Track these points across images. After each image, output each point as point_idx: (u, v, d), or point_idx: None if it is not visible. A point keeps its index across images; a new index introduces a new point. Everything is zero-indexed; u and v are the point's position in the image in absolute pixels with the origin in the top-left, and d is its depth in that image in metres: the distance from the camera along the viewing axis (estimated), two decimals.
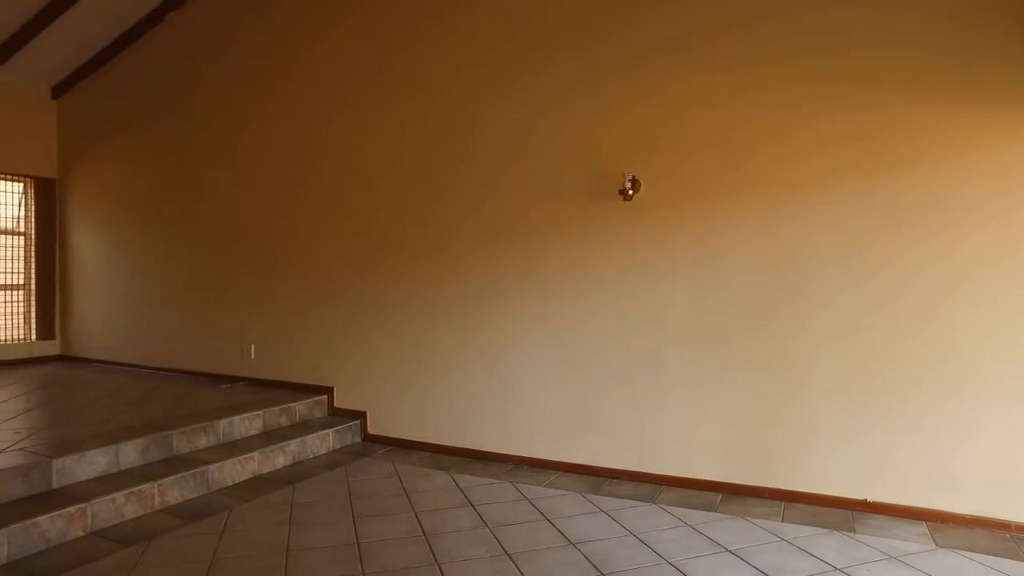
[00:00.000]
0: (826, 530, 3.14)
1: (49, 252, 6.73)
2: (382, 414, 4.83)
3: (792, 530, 3.15)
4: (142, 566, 2.75)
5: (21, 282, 6.62)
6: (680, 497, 3.62)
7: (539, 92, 4.23)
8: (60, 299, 6.79)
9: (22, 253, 6.64)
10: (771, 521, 3.27)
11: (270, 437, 4.32)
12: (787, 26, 3.56)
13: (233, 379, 5.50)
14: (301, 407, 4.79)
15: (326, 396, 5.02)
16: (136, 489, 3.29)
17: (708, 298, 3.75)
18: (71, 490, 3.21)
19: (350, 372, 4.98)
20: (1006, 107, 3.14)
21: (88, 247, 6.65)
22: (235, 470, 3.84)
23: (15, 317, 6.57)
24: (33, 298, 6.65)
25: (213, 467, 3.71)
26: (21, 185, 6.63)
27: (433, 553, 2.89)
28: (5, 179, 6.51)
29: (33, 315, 6.65)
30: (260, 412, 4.45)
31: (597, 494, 3.68)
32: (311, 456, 4.40)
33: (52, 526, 2.92)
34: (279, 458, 4.15)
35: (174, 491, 3.48)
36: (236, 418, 4.26)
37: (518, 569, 2.74)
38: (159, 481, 3.41)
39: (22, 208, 6.66)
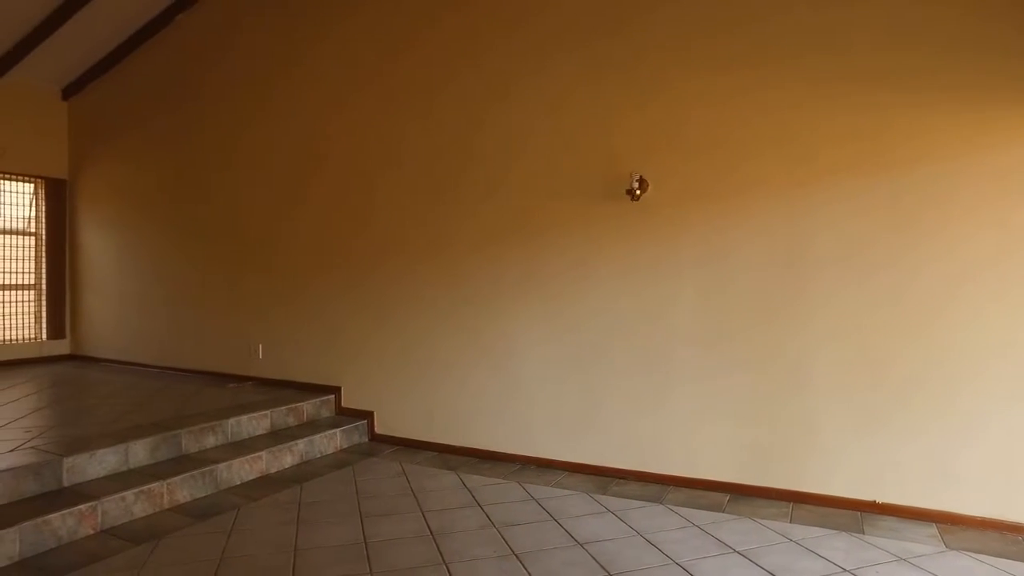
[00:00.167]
0: (835, 531, 3.13)
1: (59, 252, 6.78)
2: (389, 414, 4.84)
3: (800, 531, 3.13)
4: (152, 564, 2.77)
5: (32, 282, 6.68)
6: (687, 497, 3.61)
7: (541, 92, 4.24)
8: (70, 299, 6.85)
9: (33, 253, 6.70)
10: (779, 522, 3.25)
11: (278, 437, 4.34)
12: (788, 26, 3.55)
13: (241, 379, 5.52)
14: (308, 407, 4.81)
15: (333, 396, 5.03)
16: (145, 488, 3.32)
17: (713, 297, 3.74)
18: (81, 488, 3.23)
19: (356, 372, 5.00)
20: (1008, 104, 3.11)
21: (98, 247, 6.70)
22: (243, 469, 3.86)
23: (26, 317, 6.63)
24: (44, 298, 6.70)
25: (221, 466, 3.73)
26: (32, 186, 6.69)
27: (440, 553, 2.90)
28: (17, 180, 6.57)
29: (44, 315, 6.70)
30: (268, 412, 4.47)
31: (604, 494, 3.67)
32: (318, 456, 4.42)
33: (63, 524, 2.95)
34: (287, 457, 4.17)
35: (183, 490, 3.50)
36: (244, 418, 4.28)
37: (525, 569, 2.74)
38: (168, 480, 3.43)
39: (33, 208, 6.72)
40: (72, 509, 2.99)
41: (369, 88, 4.92)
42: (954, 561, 2.81)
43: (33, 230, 6.71)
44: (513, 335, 4.34)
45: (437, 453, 4.53)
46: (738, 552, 2.91)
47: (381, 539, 3.05)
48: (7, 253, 6.51)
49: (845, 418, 3.44)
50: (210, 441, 4.03)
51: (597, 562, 2.80)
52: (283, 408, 4.60)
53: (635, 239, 3.94)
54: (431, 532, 3.13)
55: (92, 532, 3.06)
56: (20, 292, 6.58)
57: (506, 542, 3.01)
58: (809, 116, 3.50)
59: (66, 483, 3.25)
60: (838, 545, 2.97)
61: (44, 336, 6.70)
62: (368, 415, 4.90)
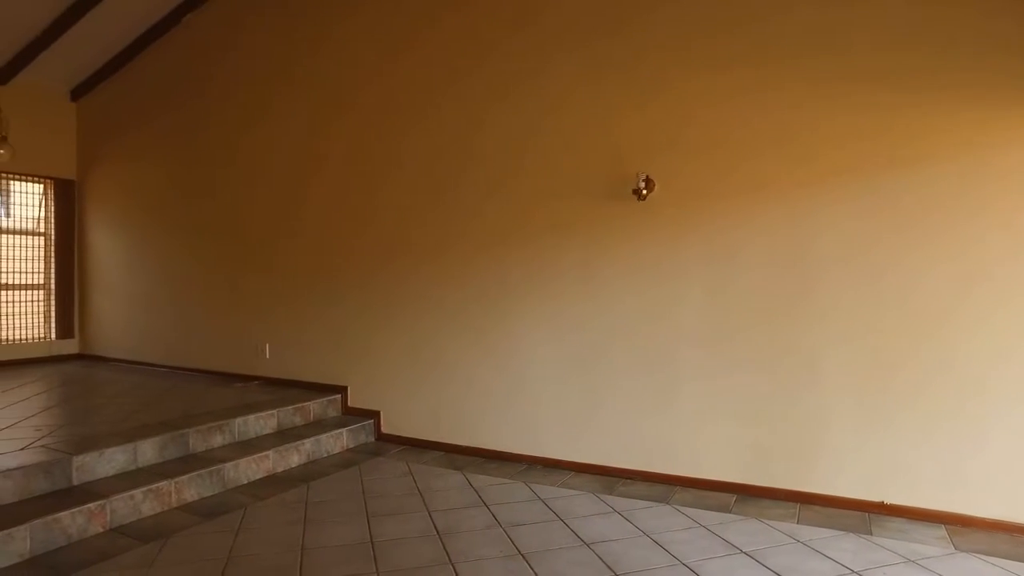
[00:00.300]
0: (842, 532, 3.11)
1: (68, 252, 6.83)
2: (395, 413, 4.86)
3: (808, 532, 3.12)
4: (160, 563, 2.79)
5: (41, 282, 6.73)
6: (694, 498, 3.61)
7: (542, 91, 4.24)
8: (79, 298, 6.89)
9: (42, 253, 6.75)
10: (786, 523, 3.24)
11: (284, 436, 4.35)
12: (789, 26, 3.54)
13: (248, 378, 5.55)
14: (315, 406, 4.82)
15: (340, 395, 5.05)
16: (154, 486, 3.34)
17: (720, 297, 3.73)
18: (91, 487, 3.26)
19: (363, 371, 5.01)
20: (1010, 104, 3.09)
21: (106, 247, 6.74)
22: (250, 468, 3.88)
23: (35, 316, 6.68)
24: (53, 297, 6.75)
25: (228, 465, 3.75)
26: (41, 186, 6.74)
27: (447, 552, 2.90)
28: (26, 180, 6.62)
29: (53, 314, 6.75)
30: (274, 411, 4.49)
31: (610, 494, 3.67)
32: (325, 455, 4.43)
33: (73, 522, 2.97)
34: (293, 457, 4.19)
35: (190, 489, 3.52)
36: (251, 417, 4.30)
37: (532, 569, 2.74)
38: (176, 479, 3.45)
39: (42, 209, 6.77)
40: (82, 507, 3.02)
41: (371, 88, 4.94)
42: (963, 563, 2.79)
43: (42, 230, 6.76)
44: (519, 335, 4.34)
45: (443, 453, 4.54)
46: (745, 553, 2.90)
47: (387, 539, 3.05)
48: (17, 253, 6.56)
49: (853, 418, 3.42)
50: (217, 440, 4.05)
51: (603, 562, 2.80)
52: (290, 408, 4.62)
53: (641, 239, 3.93)
54: (437, 532, 3.13)
55: (101, 530, 3.08)
56: (29, 292, 6.63)
57: (512, 542, 3.01)
58: (812, 116, 3.49)
59: (75, 481, 3.28)
60: (846, 546, 2.96)
61: (53, 335, 6.75)
62: (374, 415, 4.91)
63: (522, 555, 2.87)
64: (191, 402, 4.70)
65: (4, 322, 6.41)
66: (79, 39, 5.78)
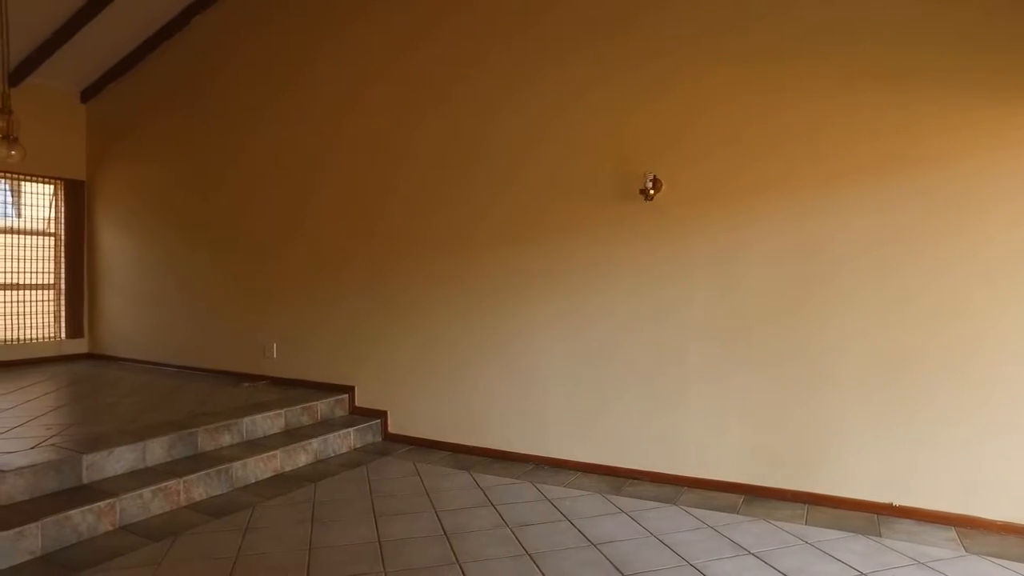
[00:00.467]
0: (851, 534, 3.10)
1: (78, 252, 6.88)
2: (402, 413, 4.86)
3: (816, 533, 3.11)
4: (169, 561, 2.80)
5: (51, 281, 6.78)
6: (701, 498, 3.59)
7: (551, 91, 4.24)
8: (88, 298, 6.94)
9: (52, 253, 6.80)
10: (794, 524, 3.23)
11: (292, 435, 4.37)
12: (798, 24, 3.52)
13: (255, 378, 5.57)
14: (322, 406, 4.84)
15: (347, 395, 5.06)
16: (162, 485, 3.36)
17: (729, 297, 3.72)
18: (100, 485, 3.28)
19: (370, 371, 5.02)
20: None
21: (115, 247, 6.78)
22: (258, 468, 3.90)
23: (46, 316, 6.73)
24: (63, 297, 6.80)
25: (236, 465, 3.76)
26: (52, 187, 6.79)
27: (454, 553, 2.90)
28: (37, 181, 6.67)
29: (63, 314, 6.80)
30: (282, 411, 4.51)
31: (618, 495, 3.66)
32: (332, 455, 4.44)
33: (83, 520, 2.99)
34: (301, 456, 4.20)
35: (199, 488, 3.53)
36: (259, 416, 4.32)
37: (539, 569, 2.74)
38: (184, 478, 3.47)
39: (52, 209, 6.82)
40: (92, 506, 3.04)
41: (377, 87, 4.95)
42: (974, 566, 2.77)
43: (52, 230, 6.81)
44: (526, 335, 4.34)
45: (450, 453, 4.54)
46: (753, 554, 2.89)
47: (395, 538, 3.06)
48: (28, 253, 6.61)
49: (862, 419, 3.40)
50: (225, 440, 4.07)
51: (611, 563, 2.79)
52: (297, 407, 4.63)
53: (649, 239, 3.92)
54: (445, 532, 3.14)
55: (111, 528, 3.10)
56: (40, 292, 6.69)
57: (520, 542, 3.01)
58: (821, 114, 3.48)
59: (86, 480, 3.30)
60: (855, 548, 2.94)
61: (63, 335, 6.80)
62: (382, 414, 4.92)
63: (529, 555, 2.87)
64: (199, 401, 4.72)
65: (15, 321, 6.47)
66: (89, 41, 5.82)
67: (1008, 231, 3.11)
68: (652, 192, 3.83)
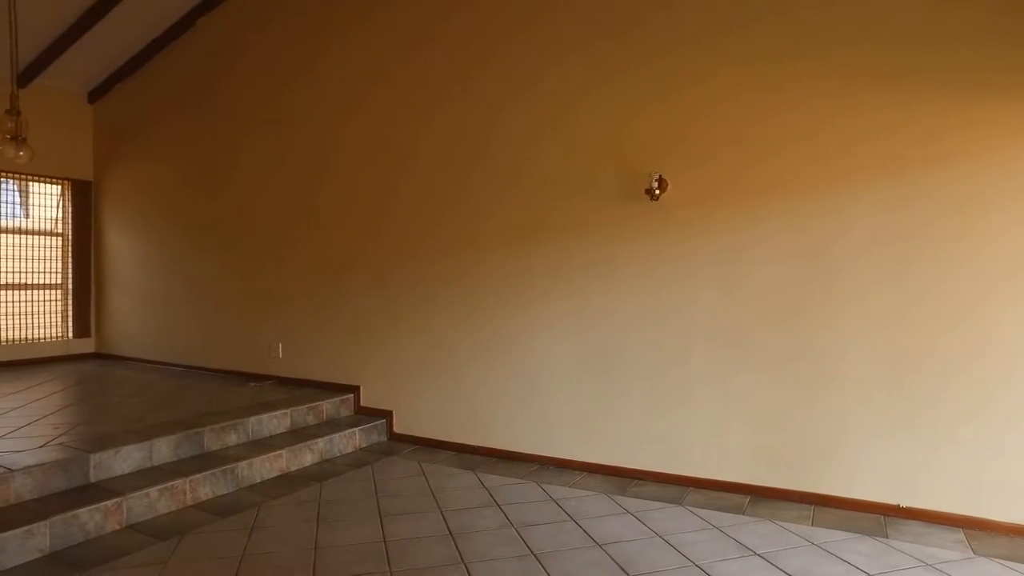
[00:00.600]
0: (857, 535, 3.08)
1: (85, 252, 6.92)
2: (407, 413, 4.87)
3: (822, 534, 3.09)
4: (175, 560, 2.81)
5: (59, 281, 6.82)
6: (707, 499, 3.59)
7: (553, 91, 4.23)
8: (95, 298, 6.98)
9: (60, 253, 6.84)
10: (800, 525, 3.22)
11: (298, 435, 4.38)
12: (802, 22, 3.50)
13: (261, 377, 5.59)
14: (328, 406, 4.85)
15: (352, 395, 5.07)
16: (169, 485, 3.37)
17: (734, 296, 3.71)
18: (108, 484, 3.29)
19: (375, 371, 5.03)
20: None
21: (122, 247, 6.82)
22: (264, 467, 3.91)
23: (53, 316, 6.77)
24: (70, 297, 6.84)
25: (243, 464, 3.78)
26: (59, 187, 6.83)
27: (460, 552, 2.91)
28: (44, 182, 6.71)
29: (70, 314, 6.84)
30: (288, 410, 4.52)
31: (623, 495, 3.66)
32: (338, 454, 4.45)
33: (91, 519, 3.01)
34: (307, 456, 4.21)
35: (205, 487, 3.55)
36: (265, 416, 4.33)
37: (544, 569, 2.74)
38: (191, 477, 3.48)
39: (60, 210, 6.86)
40: (99, 505, 3.05)
41: (382, 87, 4.96)
42: (982, 568, 2.76)
43: (60, 231, 6.85)
44: (530, 334, 4.34)
45: (455, 453, 4.55)
46: (758, 555, 2.88)
47: (400, 538, 3.06)
48: (35, 253, 6.65)
49: (868, 419, 3.39)
50: (231, 439, 4.08)
51: (616, 563, 2.79)
52: (303, 407, 4.65)
53: (654, 239, 3.92)
54: (450, 532, 3.14)
55: (118, 527, 3.11)
56: (47, 292, 6.73)
57: (525, 542, 3.01)
58: (826, 113, 3.46)
59: (93, 479, 3.32)
60: (861, 549, 2.93)
61: (70, 335, 6.84)
62: (387, 414, 4.93)
63: (535, 555, 2.87)
64: (205, 401, 4.74)
65: (23, 321, 6.51)
66: (96, 43, 5.85)
67: (1012, 232, 3.09)
68: (658, 192, 3.82)
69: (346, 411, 5.01)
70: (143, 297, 6.60)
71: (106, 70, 6.52)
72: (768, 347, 3.62)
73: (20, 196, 6.71)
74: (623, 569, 2.74)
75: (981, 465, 3.15)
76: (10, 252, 6.44)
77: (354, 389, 5.10)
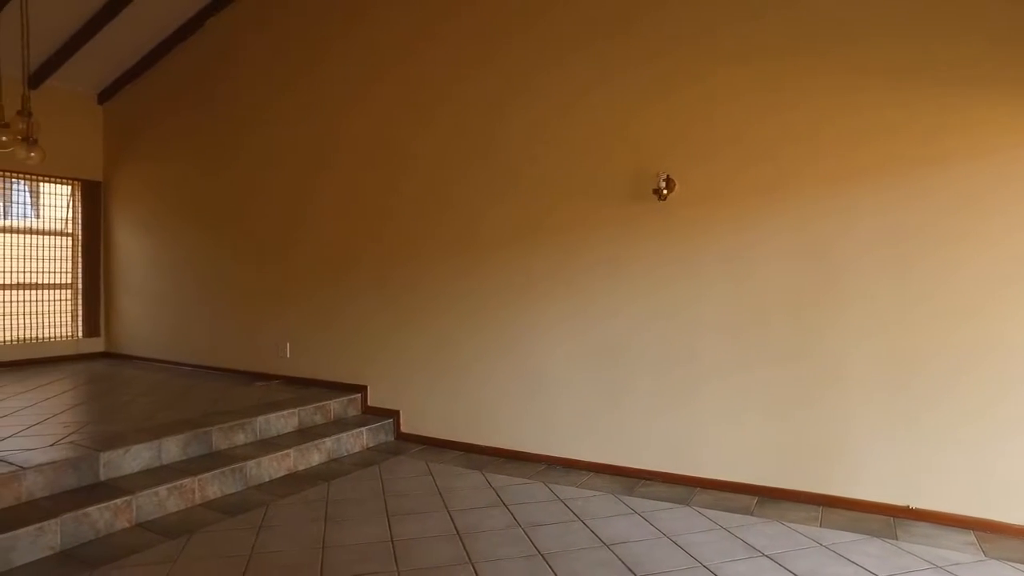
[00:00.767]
0: (866, 536, 3.06)
1: (95, 252, 6.97)
2: (414, 413, 4.88)
3: (831, 535, 3.08)
4: (184, 558, 2.83)
5: (69, 281, 6.87)
6: (714, 499, 3.57)
7: (557, 89, 4.23)
8: (104, 298, 7.03)
9: (70, 253, 6.89)
10: (809, 526, 3.20)
11: (305, 435, 4.40)
12: (807, 17, 3.49)
13: (269, 377, 5.61)
14: (335, 405, 4.86)
15: (359, 395, 5.09)
16: (178, 483, 3.39)
17: (741, 296, 3.69)
18: (117, 483, 3.32)
19: (382, 371, 5.04)
20: None
21: (131, 247, 6.86)
22: (272, 466, 3.92)
23: (63, 315, 6.82)
24: (80, 297, 6.89)
25: (251, 463, 3.79)
26: (69, 188, 6.88)
27: (467, 552, 2.91)
28: (55, 182, 6.77)
29: (80, 313, 6.89)
30: (295, 410, 4.54)
31: (630, 495, 3.65)
32: (345, 454, 4.47)
33: (100, 517, 3.03)
34: (314, 455, 4.22)
35: (213, 486, 3.57)
36: (272, 416, 4.35)
37: (552, 570, 2.74)
38: (199, 476, 3.50)
39: (70, 210, 6.91)
40: (109, 503, 3.07)
41: (386, 85, 4.97)
42: (994, 571, 2.73)
43: (70, 231, 6.90)
44: (537, 333, 4.34)
45: (462, 452, 4.55)
46: (767, 556, 2.87)
47: (408, 537, 3.07)
48: (46, 253, 6.71)
49: (877, 419, 3.37)
50: (240, 438, 4.10)
51: (623, 563, 2.79)
52: (310, 406, 4.66)
53: (661, 238, 3.91)
54: (457, 531, 3.14)
55: (128, 525, 3.13)
56: (58, 291, 6.78)
57: (532, 542, 3.01)
58: (833, 111, 3.44)
59: (103, 477, 3.34)
60: (870, 551, 2.91)
61: (80, 334, 6.89)
62: (394, 414, 4.94)
63: (542, 556, 2.87)
64: (214, 400, 4.77)
65: (34, 321, 6.56)
66: (106, 44, 5.89)
67: (1016, 233, 3.06)
68: (666, 192, 3.81)
69: (353, 411, 5.03)
70: (152, 297, 6.64)
71: (116, 71, 6.57)
72: (775, 347, 3.60)
73: (31, 197, 6.77)
74: (630, 570, 2.73)
75: (990, 466, 3.13)
76: (21, 252, 6.50)
77: (361, 389, 5.11)
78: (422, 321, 4.83)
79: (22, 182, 6.60)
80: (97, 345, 6.98)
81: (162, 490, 3.31)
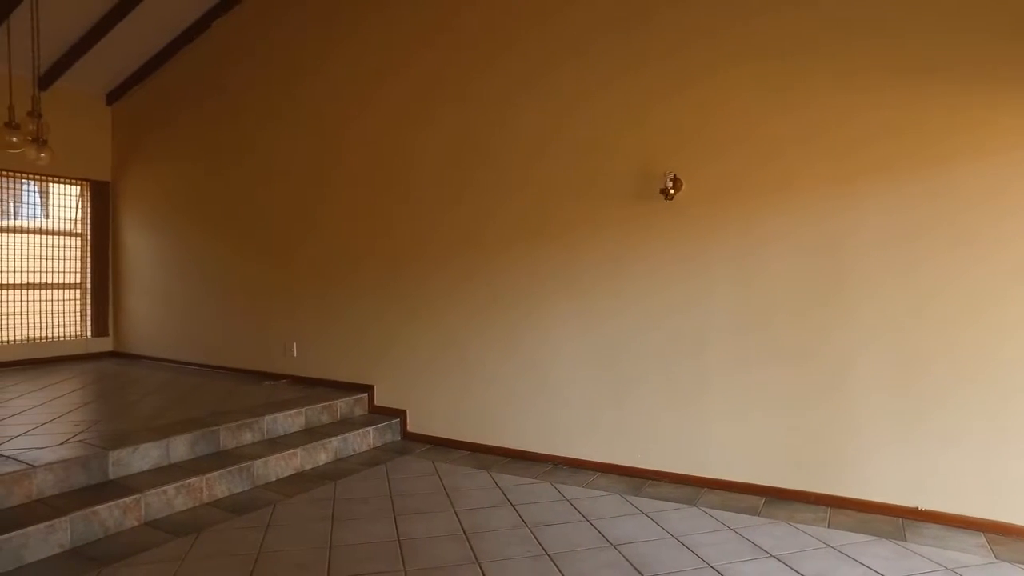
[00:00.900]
0: (875, 538, 3.05)
1: (103, 252, 7.01)
2: (420, 412, 4.88)
3: (839, 537, 3.06)
4: (193, 557, 2.84)
5: (78, 281, 6.92)
6: (722, 500, 3.56)
7: (566, 88, 4.22)
8: (113, 297, 7.07)
9: (79, 253, 6.93)
10: (817, 527, 3.19)
11: (312, 434, 4.41)
12: (817, 15, 3.47)
13: (276, 376, 5.63)
14: (342, 405, 4.87)
15: (366, 394, 5.10)
16: (186, 482, 3.40)
17: (749, 297, 3.68)
18: (126, 481, 3.34)
19: (388, 370, 5.05)
20: None
21: (138, 247, 6.90)
22: (279, 466, 3.94)
23: (72, 315, 6.87)
24: (89, 296, 6.93)
25: (258, 462, 3.81)
26: (78, 188, 6.93)
27: (473, 552, 2.91)
28: (64, 183, 6.81)
29: (89, 313, 6.94)
30: (302, 409, 4.55)
31: (637, 495, 3.64)
32: (352, 453, 4.48)
33: (110, 515, 3.05)
34: (321, 455, 4.24)
35: (221, 485, 3.58)
36: (279, 415, 4.36)
37: (559, 570, 2.73)
38: (207, 475, 3.52)
39: (79, 210, 6.96)
40: (118, 501, 3.09)
41: (394, 83, 4.97)
42: (1005, 573, 2.71)
43: (79, 231, 6.95)
44: (543, 332, 4.33)
45: (469, 452, 4.55)
46: (775, 557, 2.85)
47: (414, 537, 3.07)
48: (55, 253, 6.75)
49: (885, 419, 3.35)
50: (247, 437, 4.11)
51: (631, 564, 2.78)
52: (317, 406, 4.68)
53: (668, 237, 3.89)
54: (464, 531, 3.14)
55: (136, 524, 3.15)
56: (67, 291, 6.83)
57: (539, 542, 3.01)
58: (840, 110, 3.42)
59: (112, 476, 3.36)
60: (879, 552, 2.89)
61: (89, 334, 6.93)
62: (400, 413, 4.95)
63: (549, 556, 2.87)
64: (221, 400, 4.79)
65: (43, 320, 6.61)
66: (114, 46, 5.93)
67: None
68: (673, 191, 3.80)
69: (360, 410, 5.04)
70: (160, 297, 6.67)
71: (124, 72, 6.61)
72: (782, 346, 3.59)
73: (40, 197, 6.81)
74: (638, 570, 2.73)
75: (1001, 467, 3.10)
76: (31, 252, 6.55)
77: (368, 388, 5.12)
78: (429, 320, 4.84)
79: (32, 183, 6.64)
80: (106, 344, 7.03)
81: (170, 489, 3.33)
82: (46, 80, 6.04)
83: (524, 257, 4.40)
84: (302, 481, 3.89)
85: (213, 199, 6.22)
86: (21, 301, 6.46)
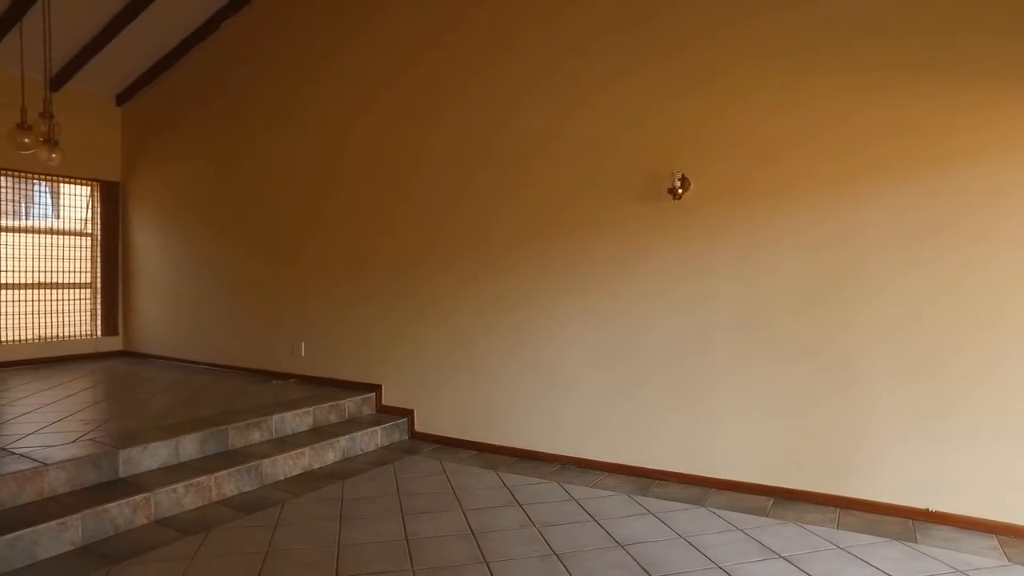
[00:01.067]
0: (885, 539, 3.03)
1: (113, 252, 7.06)
2: (428, 412, 4.89)
3: (848, 538, 3.04)
4: (202, 555, 2.86)
5: (88, 281, 6.97)
6: (730, 500, 3.55)
7: (571, 87, 4.21)
8: (123, 297, 7.12)
9: (89, 253, 6.99)
10: (826, 528, 3.17)
11: (320, 433, 4.42)
12: (822, 14, 3.45)
13: (284, 376, 5.65)
14: (350, 404, 4.89)
15: (374, 394, 5.11)
16: (195, 481, 3.42)
17: (756, 296, 3.66)
18: (136, 480, 3.36)
19: (396, 370, 5.06)
20: None
21: (148, 247, 6.94)
22: (287, 465, 3.95)
23: (83, 314, 6.92)
24: (99, 296, 6.99)
25: (266, 462, 3.82)
26: (88, 188, 6.98)
27: (481, 551, 2.91)
28: (74, 183, 6.86)
29: (99, 312, 6.99)
30: (310, 409, 4.57)
31: (645, 495, 3.64)
32: (360, 453, 4.49)
33: (120, 513, 3.07)
34: (329, 454, 4.25)
35: (230, 484, 3.60)
36: (288, 414, 4.38)
37: (567, 570, 2.73)
38: (216, 474, 3.54)
39: (89, 210, 7.01)
40: (128, 499, 3.12)
41: (399, 83, 4.98)
42: None
43: (89, 231, 7.00)
44: (550, 332, 4.33)
45: (476, 452, 4.55)
46: (783, 558, 2.84)
47: (422, 536, 3.08)
48: (66, 253, 6.81)
49: (894, 420, 3.33)
50: (255, 437, 4.13)
51: (638, 564, 2.77)
52: (325, 405, 4.69)
53: (676, 237, 3.88)
54: (471, 531, 3.15)
55: (146, 522, 3.17)
56: (77, 291, 6.88)
57: (547, 542, 3.01)
58: (847, 109, 3.40)
59: (122, 474, 3.38)
60: (889, 554, 2.87)
61: (99, 333, 6.98)
62: (408, 413, 4.96)
63: (556, 555, 2.87)
64: (230, 399, 4.81)
65: (54, 320, 6.67)
66: (124, 47, 5.97)
67: None
68: (681, 191, 3.79)
69: (368, 410, 5.05)
70: (169, 296, 6.72)
71: (133, 73, 6.65)
72: (790, 345, 3.57)
73: (51, 197, 6.87)
74: (645, 570, 2.72)
75: (1013, 468, 3.08)
76: (42, 252, 6.60)
77: (376, 388, 5.13)
78: (435, 320, 4.85)
79: (43, 183, 6.70)
80: (115, 344, 7.08)
81: (180, 487, 3.35)
82: (57, 82, 6.09)
83: (530, 257, 4.40)
84: (310, 480, 3.90)
85: (222, 199, 6.25)
86: (32, 301, 6.52)
